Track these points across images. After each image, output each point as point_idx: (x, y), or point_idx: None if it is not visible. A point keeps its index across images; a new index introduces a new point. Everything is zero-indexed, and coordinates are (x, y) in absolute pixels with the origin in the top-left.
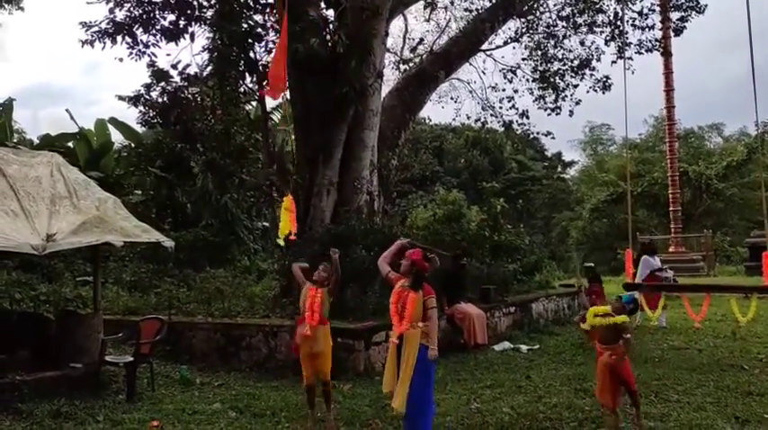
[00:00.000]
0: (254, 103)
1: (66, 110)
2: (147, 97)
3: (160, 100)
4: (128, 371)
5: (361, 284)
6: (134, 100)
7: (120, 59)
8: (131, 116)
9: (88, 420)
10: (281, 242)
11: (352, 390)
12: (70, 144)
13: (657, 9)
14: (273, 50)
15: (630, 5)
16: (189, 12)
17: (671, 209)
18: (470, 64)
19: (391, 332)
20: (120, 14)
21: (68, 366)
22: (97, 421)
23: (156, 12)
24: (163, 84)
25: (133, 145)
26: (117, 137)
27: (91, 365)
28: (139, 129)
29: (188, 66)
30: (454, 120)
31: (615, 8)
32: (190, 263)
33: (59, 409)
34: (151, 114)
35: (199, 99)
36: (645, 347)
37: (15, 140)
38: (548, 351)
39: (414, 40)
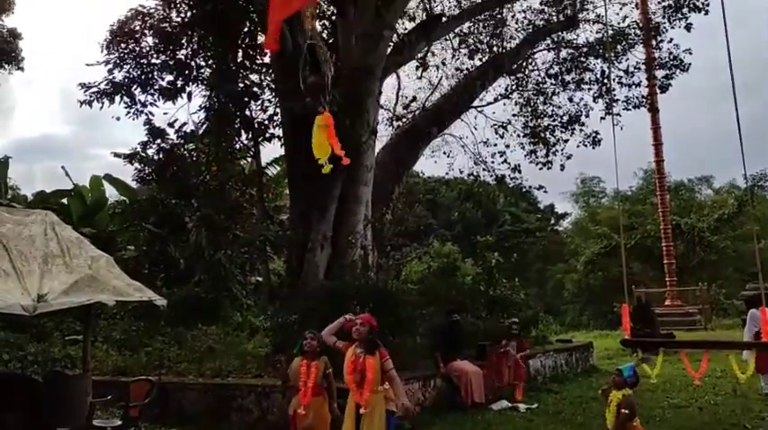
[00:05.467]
0: (248, 159)
1: (62, 167)
2: (144, 154)
3: (156, 157)
4: None
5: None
6: (130, 157)
7: (118, 118)
8: (128, 171)
9: None
10: (326, 168)
11: None
12: (64, 200)
13: (643, 67)
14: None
15: (617, 64)
16: (187, 72)
17: (665, 261)
18: (462, 120)
19: (349, 399)
20: (119, 75)
21: None
22: None
23: (155, 72)
24: (159, 141)
25: (128, 201)
26: (112, 192)
27: (78, 429)
28: (134, 185)
29: (185, 124)
30: (447, 173)
31: (602, 66)
32: (182, 320)
33: None
34: (147, 171)
35: (194, 155)
36: (645, 406)
37: (9, 197)
38: (546, 410)
39: (407, 97)
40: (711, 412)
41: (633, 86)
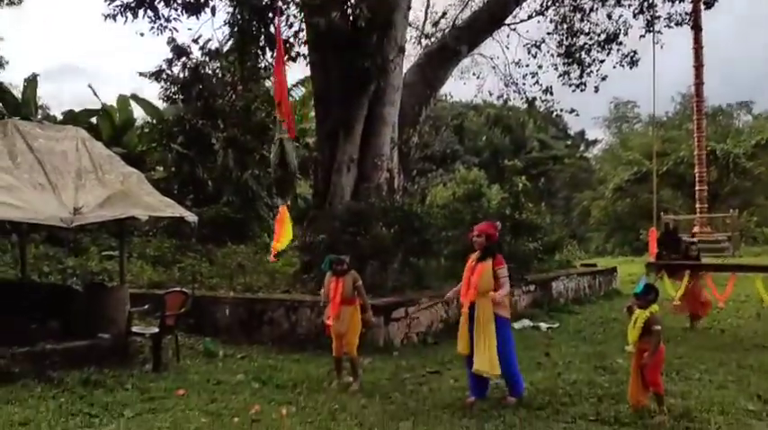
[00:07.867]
0: (273, 79)
1: (89, 85)
2: (169, 72)
3: (181, 75)
4: (154, 342)
5: (381, 261)
6: (155, 75)
7: (142, 34)
8: (152, 94)
9: (117, 388)
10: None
11: (372, 364)
12: (93, 120)
13: None
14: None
15: None
16: None
17: (697, 188)
18: (494, 38)
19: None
20: None
21: (97, 336)
22: (126, 389)
23: None
24: (184, 59)
25: (155, 121)
26: (139, 113)
27: (118, 336)
28: (161, 105)
29: (209, 41)
30: (476, 97)
31: None
32: (212, 238)
33: (89, 377)
34: (172, 90)
35: (220, 74)
36: (667, 326)
37: (40, 116)
38: (567, 329)
39: (436, 13)
40: (733, 333)
41: (677, 1)
